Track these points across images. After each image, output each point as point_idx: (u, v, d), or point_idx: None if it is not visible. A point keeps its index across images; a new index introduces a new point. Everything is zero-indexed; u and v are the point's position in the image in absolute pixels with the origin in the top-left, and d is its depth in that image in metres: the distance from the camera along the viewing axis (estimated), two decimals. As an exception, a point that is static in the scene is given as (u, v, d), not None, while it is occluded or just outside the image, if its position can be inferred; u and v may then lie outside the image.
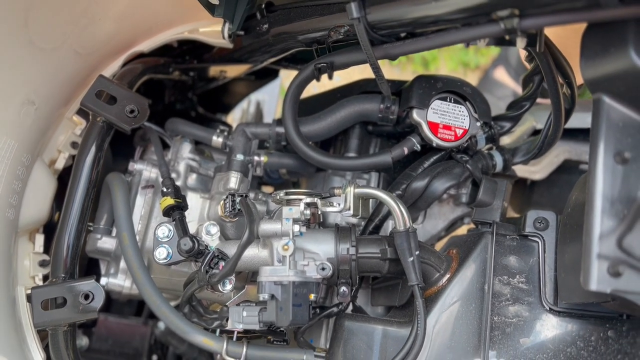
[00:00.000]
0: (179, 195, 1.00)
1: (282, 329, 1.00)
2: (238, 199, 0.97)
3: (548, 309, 0.97)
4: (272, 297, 0.91)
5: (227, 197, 0.98)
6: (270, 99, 1.60)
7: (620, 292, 0.77)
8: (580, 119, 1.29)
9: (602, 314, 0.94)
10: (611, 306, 0.87)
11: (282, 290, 0.91)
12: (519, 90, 1.22)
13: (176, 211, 0.99)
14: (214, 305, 1.19)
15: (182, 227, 0.97)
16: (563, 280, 0.95)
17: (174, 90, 1.32)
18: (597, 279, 0.77)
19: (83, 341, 1.29)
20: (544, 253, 1.00)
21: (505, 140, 1.16)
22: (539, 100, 1.20)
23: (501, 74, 1.96)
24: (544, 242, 1.01)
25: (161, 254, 0.96)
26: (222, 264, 0.95)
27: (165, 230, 0.97)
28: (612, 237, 0.79)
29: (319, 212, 1.05)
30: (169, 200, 0.99)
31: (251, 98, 1.58)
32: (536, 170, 1.24)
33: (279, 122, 1.10)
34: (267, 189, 1.43)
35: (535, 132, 1.30)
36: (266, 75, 1.39)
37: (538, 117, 1.26)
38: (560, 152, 1.26)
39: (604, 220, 0.79)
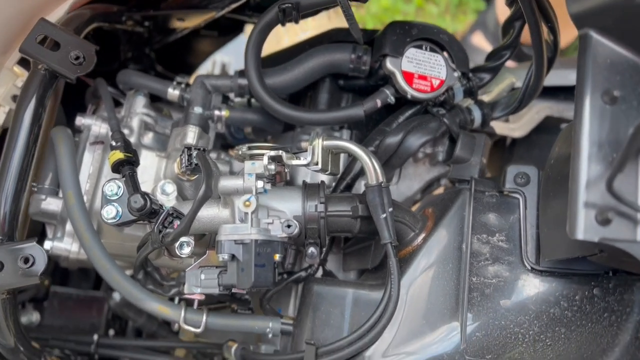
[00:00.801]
0: (129, 150, 0.91)
1: (246, 296, 0.93)
2: (195, 153, 0.88)
3: (529, 268, 0.91)
4: (233, 257, 0.83)
5: (183, 152, 0.90)
6: (236, 61, 1.51)
7: (609, 240, 0.70)
8: (561, 76, 1.23)
9: (586, 271, 0.88)
10: (598, 259, 0.81)
11: (243, 250, 0.83)
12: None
13: (126, 166, 0.90)
14: (174, 274, 1.10)
15: (132, 183, 0.88)
16: (546, 236, 0.89)
17: (129, 45, 1.22)
18: (585, 228, 0.71)
19: (34, 316, 1.19)
20: (525, 210, 0.94)
21: (483, 99, 1.09)
22: (510, 64, 1.14)
23: (479, 39, 1.89)
24: (525, 198, 0.95)
25: (109, 212, 0.87)
26: (177, 222, 0.86)
27: (114, 187, 0.88)
28: (600, 183, 0.72)
29: (286, 170, 0.97)
30: (118, 155, 0.90)
31: (216, 59, 1.49)
32: (516, 128, 1.18)
33: (241, 73, 1.01)
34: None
35: (513, 90, 1.23)
36: (230, 31, 1.29)
37: (517, 75, 1.20)
38: (541, 109, 1.19)
39: (591, 166, 0.73)
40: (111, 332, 1.20)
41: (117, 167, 0.91)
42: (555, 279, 0.90)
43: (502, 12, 1.91)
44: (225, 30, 1.29)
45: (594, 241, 0.71)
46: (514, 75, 1.20)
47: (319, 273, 1.02)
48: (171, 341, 1.15)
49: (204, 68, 1.52)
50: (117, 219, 0.88)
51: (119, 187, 0.89)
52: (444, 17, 2.13)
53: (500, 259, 0.92)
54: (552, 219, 0.87)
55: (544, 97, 1.20)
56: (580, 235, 0.71)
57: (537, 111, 1.18)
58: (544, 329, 0.87)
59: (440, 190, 1.13)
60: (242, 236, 0.83)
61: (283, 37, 1.74)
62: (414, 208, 1.06)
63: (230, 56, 1.48)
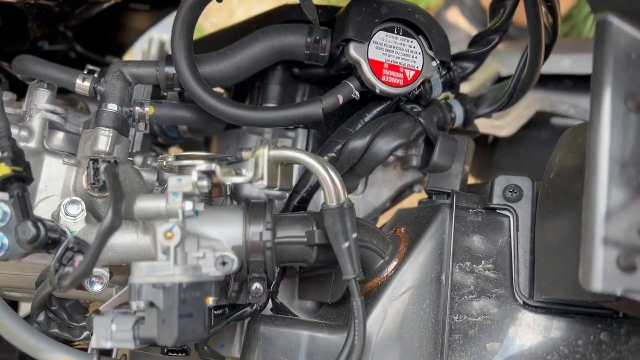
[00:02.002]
0: (20, 162, 0.71)
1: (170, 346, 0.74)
2: (103, 166, 0.68)
3: (522, 303, 0.75)
4: (152, 304, 0.65)
5: (88, 165, 0.70)
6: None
7: (635, 292, 0.54)
8: (553, 63, 1.06)
9: (592, 310, 0.72)
10: (612, 306, 0.65)
11: (164, 296, 0.64)
12: (475, 33, 0.99)
13: (15, 184, 0.69)
14: (94, 304, 0.91)
15: (22, 207, 0.68)
16: (544, 269, 0.72)
17: (39, 22, 0.99)
18: (604, 276, 0.55)
19: None
20: (517, 231, 0.78)
21: (463, 89, 0.91)
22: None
23: (455, 16, 1.71)
24: (516, 216, 0.78)
25: (-8, 245, 0.67)
26: (79, 258, 0.67)
27: (-2, 211, 0.68)
28: (624, 215, 0.56)
29: (226, 184, 0.78)
30: (5, 169, 0.69)
31: (153, 37, 1.27)
32: (502, 125, 1.01)
33: (169, 59, 0.81)
34: (178, 152, 1.13)
35: (500, 80, 1.06)
36: (165, 5, 1.08)
37: (504, 61, 1.02)
38: (531, 103, 1.03)
39: (612, 192, 0.56)
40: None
41: (3, 185, 0.70)
42: (554, 317, 0.74)
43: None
44: (159, 3, 1.07)
45: (615, 294, 0.55)
46: (499, 61, 1.02)
47: (269, 307, 0.84)
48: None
49: (139, 48, 1.29)
50: (3, 252, 0.68)
51: (5, 212, 0.69)
52: (417, -9, 1.94)
53: (487, 292, 0.76)
54: (552, 247, 0.71)
55: (534, 88, 1.03)
56: (598, 286, 0.55)
57: (527, 106, 1.01)
58: (541, 381, 0.71)
59: (416, 199, 0.96)
60: (162, 278, 0.64)
61: (237, 9, 1.53)
62: (381, 225, 0.88)
63: (169, 34, 1.26)
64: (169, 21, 1.16)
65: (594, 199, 0.56)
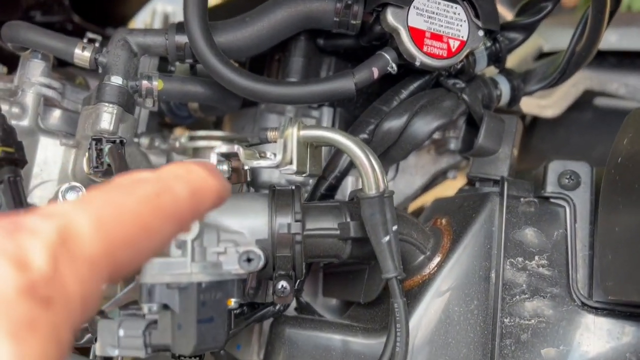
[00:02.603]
0: (11, 142, 0.61)
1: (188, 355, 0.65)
2: (107, 147, 0.59)
3: (580, 303, 0.66)
4: (166, 307, 0.56)
5: (90, 146, 0.60)
6: (182, 11, 1.19)
7: None
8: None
9: (664, 313, 0.64)
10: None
11: (180, 297, 0.55)
12: (509, 17, 0.88)
13: (5, 167, 0.60)
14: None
15: (14, 194, 0.59)
16: (611, 265, 0.63)
17: (32, -13, 0.89)
18: None
19: None
20: (574, 223, 0.69)
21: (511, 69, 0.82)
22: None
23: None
24: (573, 206, 0.69)
25: (-21, 238, 0.58)
26: (80, 254, 0.57)
27: (-14, 199, 0.59)
28: None
29: (245, 168, 0.68)
30: (-7, 150, 0.60)
31: (156, 8, 1.17)
32: (548, 105, 0.92)
33: (179, 26, 0.71)
34: (180, 132, 1.03)
35: (542, 57, 0.96)
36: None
37: (544, 36, 0.92)
38: (579, 80, 0.93)
39: None
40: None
41: (-8, 168, 0.61)
42: (618, 320, 0.65)
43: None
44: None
45: None
46: (541, 36, 0.93)
47: (292, 305, 0.75)
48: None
49: (141, 20, 1.19)
50: (-8, 246, 0.59)
51: (-6, 198, 0.59)
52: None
53: (541, 292, 0.67)
54: (621, 241, 0.62)
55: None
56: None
57: (574, 84, 0.92)
58: (605, 393, 0.63)
59: (448, 187, 0.87)
60: (178, 277, 0.55)
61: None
62: (415, 209, 0.79)
63: (174, 5, 1.16)
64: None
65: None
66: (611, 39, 0.96)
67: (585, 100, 0.99)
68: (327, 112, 0.81)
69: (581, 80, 0.94)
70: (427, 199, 0.91)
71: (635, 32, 0.96)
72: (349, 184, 0.80)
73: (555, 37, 0.83)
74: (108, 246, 0.30)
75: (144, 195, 0.33)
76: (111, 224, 0.30)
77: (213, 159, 0.59)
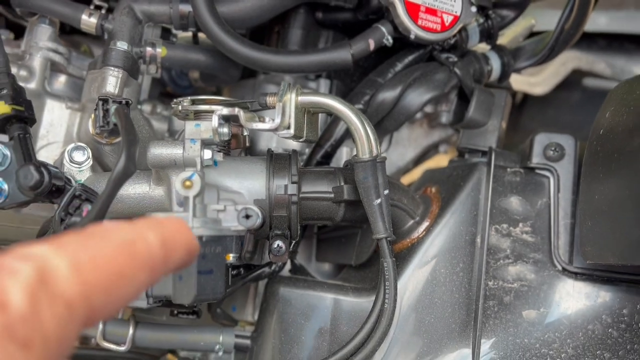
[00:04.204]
0: (20, 100, 0.64)
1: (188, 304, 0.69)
2: (113, 107, 0.62)
3: (561, 269, 0.70)
4: (167, 259, 0.59)
5: (97, 106, 0.63)
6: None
7: None
8: (589, 20, 0.99)
9: (638, 277, 0.67)
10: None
11: (182, 250, 0.58)
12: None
13: (15, 124, 0.63)
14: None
15: (24, 149, 0.62)
16: (589, 231, 0.67)
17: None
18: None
19: None
20: (558, 192, 0.72)
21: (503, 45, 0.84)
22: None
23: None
24: (557, 177, 0.73)
25: (-10, 191, 0.61)
26: (87, 207, 0.60)
27: (-3, 154, 0.61)
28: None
29: (244, 134, 0.71)
30: (4, 108, 0.63)
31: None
32: (537, 82, 0.95)
33: (184, -4, 0.74)
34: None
35: (532, 36, 0.99)
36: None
37: (537, 15, 0.95)
38: (568, 59, 0.96)
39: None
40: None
41: (2, 125, 0.64)
42: (595, 284, 0.69)
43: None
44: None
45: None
46: (532, 15, 0.95)
47: (286, 268, 0.78)
48: (91, 349, 0.90)
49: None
50: (2, 199, 0.62)
51: (5, 154, 0.62)
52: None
53: (524, 257, 0.71)
54: (600, 208, 0.66)
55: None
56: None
57: (563, 62, 0.95)
58: (581, 351, 0.67)
59: (439, 160, 0.90)
60: (180, 231, 0.58)
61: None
62: (407, 182, 0.83)
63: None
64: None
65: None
66: (601, 22, 0.99)
67: (574, 81, 1.02)
68: (324, 84, 0.84)
69: (570, 60, 0.97)
70: (420, 172, 0.94)
71: (624, 15, 0.99)
72: (344, 154, 0.83)
73: (547, 18, 0.86)
74: (85, 289, 0.29)
75: (120, 241, 0.33)
76: (88, 268, 0.30)
77: (214, 121, 0.62)
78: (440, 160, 0.91)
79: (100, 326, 0.67)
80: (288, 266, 0.79)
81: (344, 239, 0.79)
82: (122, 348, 0.68)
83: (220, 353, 0.71)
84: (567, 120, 0.98)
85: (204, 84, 0.90)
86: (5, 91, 0.64)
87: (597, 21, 0.99)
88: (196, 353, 0.84)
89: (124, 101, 0.63)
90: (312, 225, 0.82)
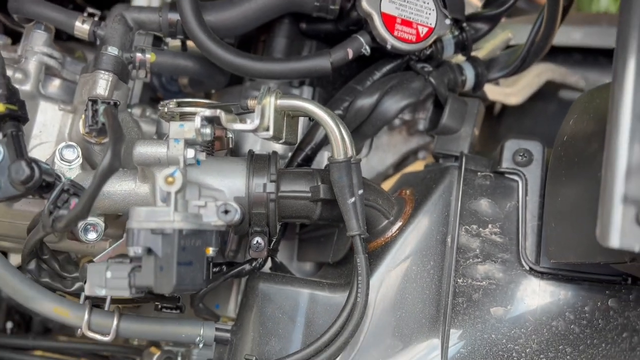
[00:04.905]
0: (14, 100, 0.68)
1: (168, 294, 0.72)
2: (102, 107, 0.65)
3: (528, 268, 0.73)
4: (149, 251, 0.62)
5: (87, 106, 0.67)
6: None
7: (654, 250, 0.53)
8: (564, 35, 1.04)
9: (600, 276, 0.71)
10: (624, 268, 0.63)
11: (163, 242, 0.61)
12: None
13: (8, 122, 0.66)
14: (85, 258, 0.88)
15: (16, 146, 0.65)
16: (553, 232, 0.71)
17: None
18: (622, 232, 0.53)
19: None
20: (526, 196, 0.76)
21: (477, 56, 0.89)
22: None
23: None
24: (525, 181, 0.76)
25: (-17, 185, 0.64)
26: (74, 201, 0.64)
27: (-10, 150, 0.65)
28: (645, 172, 0.54)
29: (228, 136, 0.75)
30: (-2, 107, 0.66)
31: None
32: (512, 93, 0.99)
33: (172, 5, 0.78)
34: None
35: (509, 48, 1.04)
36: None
37: (515, 29, 1.00)
38: (542, 71, 1.01)
39: (634, 148, 0.54)
40: (9, 324, 0.97)
41: (-4, 123, 0.67)
42: (560, 283, 0.72)
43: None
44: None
45: (633, 250, 0.53)
46: (510, 29, 1.00)
47: (267, 266, 0.82)
48: (78, 342, 0.93)
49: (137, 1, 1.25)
50: (-6, 193, 0.65)
51: (-2, 150, 0.66)
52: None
53: (493, 257, 0.74)
54: (563, 210, 0.69)
55: (544, 58, 1.01)
56: (615, 241, 0.53)
57: (537, 74, 0.99)
58: (545, 346, 0.70)
59: (418, 166, 0.94)
60: (161, 224, 0.61)
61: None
62: (388, 187, 0.86)
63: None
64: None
65: (614, 155, 0.54)
66: (576, 37, 1.03)
67: (550, 93, 1.06)
68: (306, 91, 0.88)
69: (543, 72, 1.01)
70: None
71: (598, 31, 1.03)
72: (324, 159, 0.86)
73: (524, 32, 0.90)
74: None
75: None
76: None
77: (197, 121, 0.65)
78: (419, 167, 0.94)
79: (86, 317, 0.70)
80: (269, 264, 0.82)
81: (323, 238, 0.83)
82: (107, 338, 0.71)
83: (201, 345, 0.74)
84: (542, 130, 1.02)
85: (193, 90, 0.94)
86: (1, 91, 0.67)
87: (572, 36, 1.04)
88: (179, 348, 0.87)
89: (112, 102, 0.67)
90: (293, 226, 0.86)
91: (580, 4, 1.61)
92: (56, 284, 0.75)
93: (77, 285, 0.75)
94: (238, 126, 0.66)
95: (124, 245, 0.71)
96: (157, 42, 0.88)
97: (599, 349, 0.68)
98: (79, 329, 0.72)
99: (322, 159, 0.86)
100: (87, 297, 0.74)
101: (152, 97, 0.96)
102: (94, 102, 0.66)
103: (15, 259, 0.93)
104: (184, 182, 0.64)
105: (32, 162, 0.64)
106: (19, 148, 0.65)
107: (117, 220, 0.78)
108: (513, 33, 0.98)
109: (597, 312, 0.69)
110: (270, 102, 0.67)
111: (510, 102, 1.00)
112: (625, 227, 0.53)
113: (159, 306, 0.81)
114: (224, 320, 0.83)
